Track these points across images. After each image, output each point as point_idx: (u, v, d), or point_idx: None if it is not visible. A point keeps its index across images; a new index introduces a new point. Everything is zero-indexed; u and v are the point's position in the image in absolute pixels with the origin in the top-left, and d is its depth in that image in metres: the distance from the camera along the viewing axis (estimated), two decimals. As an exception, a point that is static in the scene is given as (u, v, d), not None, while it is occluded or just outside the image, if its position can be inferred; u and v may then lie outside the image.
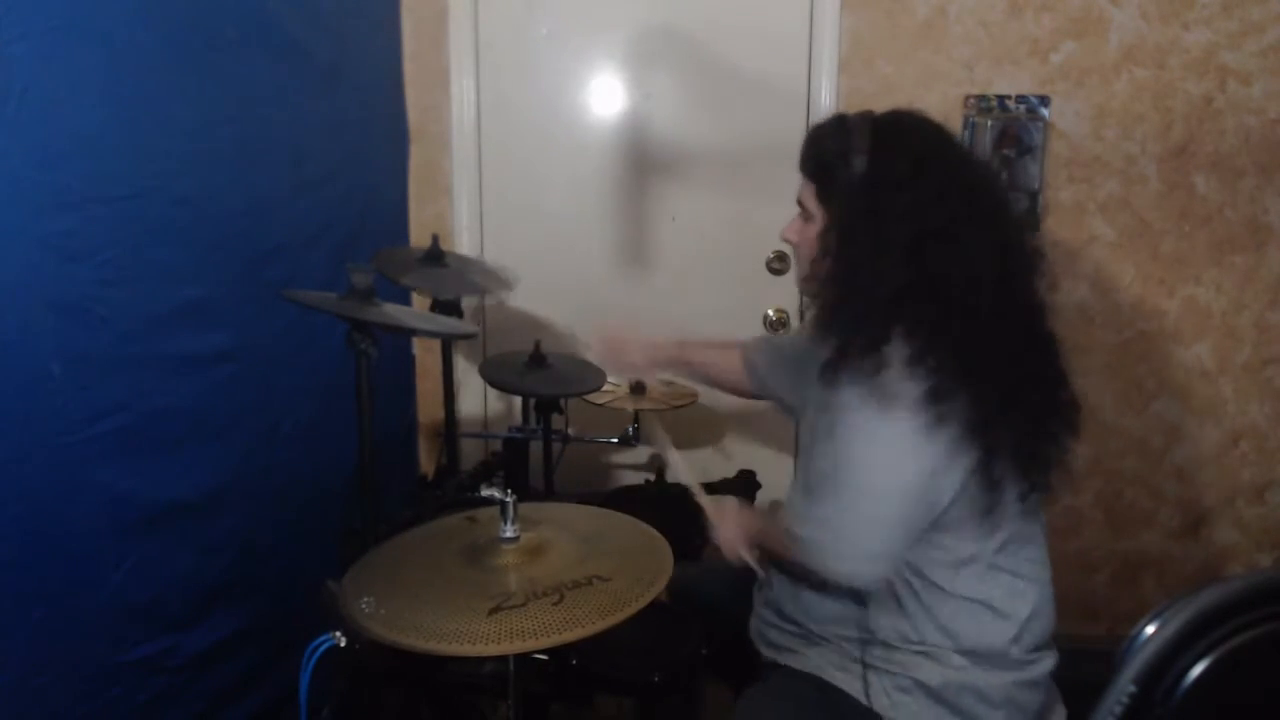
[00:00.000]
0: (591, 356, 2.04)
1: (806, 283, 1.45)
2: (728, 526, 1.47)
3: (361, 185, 2.33)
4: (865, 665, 1.38)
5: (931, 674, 1.34)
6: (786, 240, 1.47)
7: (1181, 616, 0.97)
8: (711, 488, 2.33)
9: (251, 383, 1.81)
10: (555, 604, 1.10)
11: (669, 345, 1.82)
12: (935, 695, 1.34)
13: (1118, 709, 0.96)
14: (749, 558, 1.44)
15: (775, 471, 2.44)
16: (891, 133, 1.35)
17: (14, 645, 1.32)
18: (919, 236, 1.27)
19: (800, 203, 1.43)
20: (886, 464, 1.28)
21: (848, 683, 1.38)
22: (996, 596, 1.35)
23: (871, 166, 1.32)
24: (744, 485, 2.31)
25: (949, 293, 1.27)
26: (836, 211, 1.36)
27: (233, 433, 1.76)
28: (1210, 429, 2.50)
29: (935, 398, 1.24)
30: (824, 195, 1.38)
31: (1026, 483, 1.33)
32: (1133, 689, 0.96)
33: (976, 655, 1.34)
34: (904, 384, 1.25)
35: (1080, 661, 1.40)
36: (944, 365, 1.25)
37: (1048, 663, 1.40)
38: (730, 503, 1.53)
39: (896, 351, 1.26)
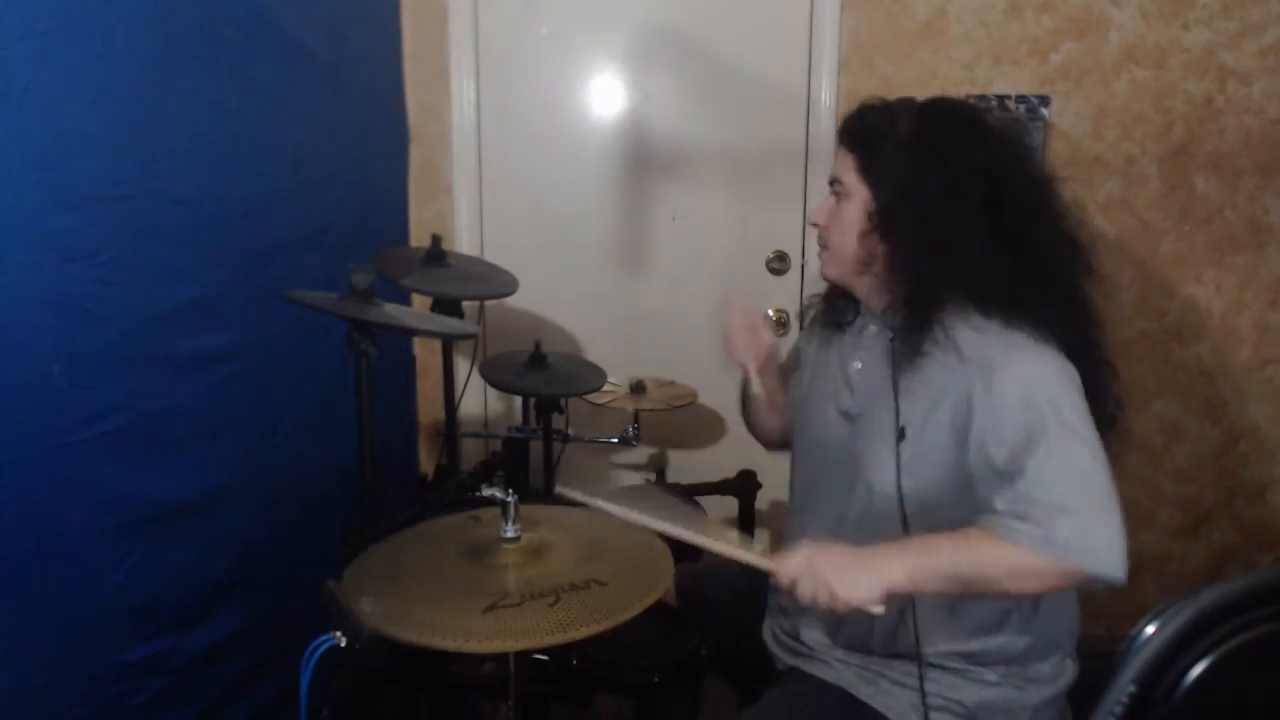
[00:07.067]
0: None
1: (843, 267, 1.36)
2: (856, 581, 1.15)
3: (361, 185, 2.32)
4: (895, 683, 1.32)
5: (967, 693, 1.30)
6: (815, 225, 1.38)
7: (1181, 616, 0.96)
8: (711, 487, 2.33)
9: (251, 383, 1.80)
10: (551, 605, 1.10)
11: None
12: (969, 716, 1.30)
13: (1118, 709, 0.96)
14: (878, 609, 1.16)
15: (776, 471, 2.42)
16: (938, 105, 1.35)
17: (14, 645, 1.31)
18: (994, 192, 1.25)
19: (835, 180, 1.35)
20: (1072, 395, 1.22)
21: (873, 698, 1.32)
22: (1032, 604, 1.30)
23: (926, 130, 1.29)
24: (744, 485, 2.31)
25: (1027, 252, 1.24)
26: (893, 177, 1.28)
27: (233, 433, 1.76)
28: (1210, 429, 2.50)
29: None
30: (868, 167, 1.31)
31: None
32: (1133, 689, 0.96)
33: (1009, 669, 1.30)
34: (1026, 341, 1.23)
35: (1080, 661, 1.40)
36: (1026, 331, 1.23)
37: (1071, 674, 1.36)
38: (832, 553, 1.20)
39: (972, 318, 1.25)
